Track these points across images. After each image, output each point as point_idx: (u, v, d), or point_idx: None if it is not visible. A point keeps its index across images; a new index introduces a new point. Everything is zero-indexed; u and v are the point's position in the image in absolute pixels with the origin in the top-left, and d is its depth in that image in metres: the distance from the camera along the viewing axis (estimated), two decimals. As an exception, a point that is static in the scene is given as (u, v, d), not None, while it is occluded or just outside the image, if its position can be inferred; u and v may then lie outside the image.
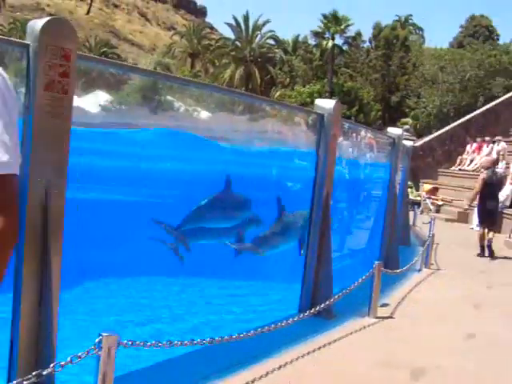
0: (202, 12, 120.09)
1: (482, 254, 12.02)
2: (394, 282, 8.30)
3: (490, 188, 12.45)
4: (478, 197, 12.72)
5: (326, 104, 6.28)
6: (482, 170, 13.40)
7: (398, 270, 8.40)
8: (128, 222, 4.70)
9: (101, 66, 4.51)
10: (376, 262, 6.67)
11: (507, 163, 19.81)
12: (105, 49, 62.64)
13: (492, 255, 11.98)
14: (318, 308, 5.65)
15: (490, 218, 12.40)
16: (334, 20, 50.20)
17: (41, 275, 3.43)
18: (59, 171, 3.49)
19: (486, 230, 12.06)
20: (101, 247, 4.48)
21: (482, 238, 12.15)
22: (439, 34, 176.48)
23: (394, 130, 10.26)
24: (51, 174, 3.44)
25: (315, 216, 6.42)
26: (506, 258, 12.25)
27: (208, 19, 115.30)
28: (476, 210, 17.56)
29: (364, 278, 6.49)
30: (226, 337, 4.23)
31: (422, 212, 17.98)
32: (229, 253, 5.70)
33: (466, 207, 12.90)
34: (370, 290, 6.54)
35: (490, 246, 12.01)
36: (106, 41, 68.09)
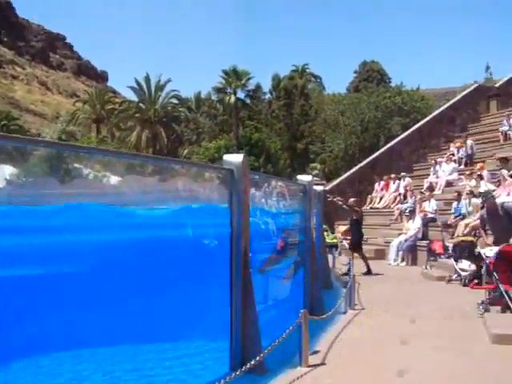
0: (103, 77, 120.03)
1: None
2: (322, 328, 8.29)
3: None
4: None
5: (234, 159, 6.31)
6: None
7: (324, 315, 8.41)
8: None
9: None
10: (301, 311, 6.65)
11: (415, 197, 20.51)
12: (4, 121, 61.03)
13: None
14: (249, 365, 5.54)
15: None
16: (234, 75, 51.24)
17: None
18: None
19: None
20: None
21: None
22: (336, 81, 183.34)
23: (303, 177, 10.41)
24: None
25: (235, 271, 6.35)
26: (423, 289, 12.57)
27: (110, 83, 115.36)
28: (391, 245, 18.18)
29: (292, 327, 6.44)
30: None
31: (340, 254, 18.22)
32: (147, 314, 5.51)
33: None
34: (299, 339, 6.49)
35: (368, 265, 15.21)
36: (6, 113, 66.40)
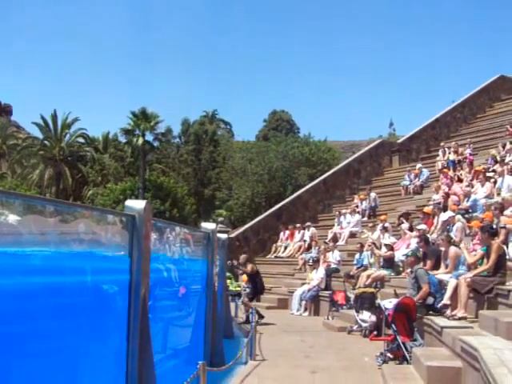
0: (6, 110, 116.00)
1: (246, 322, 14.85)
2: (221, 379, 8.09)
3: None
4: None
5: (137, 205, 6.11)
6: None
7: (223, 367, 8.20)
8: None
9: None
10: (200, 362, 6.42)
11: (319, 247, 20.76)
12: None
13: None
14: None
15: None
16: (143, 117, 50.58)
17: None
18: None
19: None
20: None
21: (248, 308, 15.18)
22: (246, 128, 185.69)
23: (207, 225, 10.27)
24: None
25: (133, 318, 6.09)
26: (325, 340, 12.61)
27: (14, 118, 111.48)
28: (294, 295, 18.24)
29: (189, 380, 6.20)
30: None
31: (243, 302, 18.06)
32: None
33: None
34: (196, 392, 6.26)
35: (258, 312, 14.84)
36: None
